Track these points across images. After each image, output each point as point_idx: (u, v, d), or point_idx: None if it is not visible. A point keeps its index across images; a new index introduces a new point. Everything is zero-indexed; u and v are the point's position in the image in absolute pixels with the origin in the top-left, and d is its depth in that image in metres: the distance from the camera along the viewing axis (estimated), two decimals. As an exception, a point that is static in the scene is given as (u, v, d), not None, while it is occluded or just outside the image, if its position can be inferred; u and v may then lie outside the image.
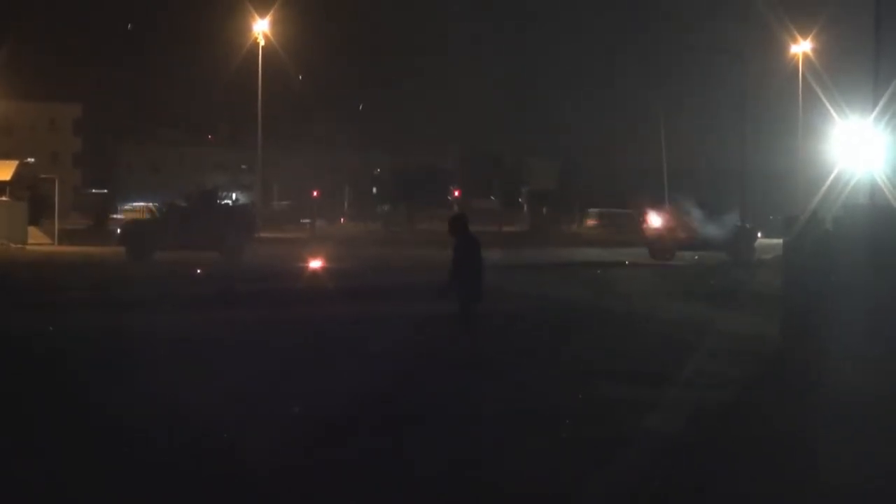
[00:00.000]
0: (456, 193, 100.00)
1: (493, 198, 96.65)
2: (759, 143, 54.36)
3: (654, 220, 39.64)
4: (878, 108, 23.39)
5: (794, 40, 53.95)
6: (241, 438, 9.32)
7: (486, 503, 7.92)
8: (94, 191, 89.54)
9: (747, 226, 39.22)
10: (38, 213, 46.11)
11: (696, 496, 8.09)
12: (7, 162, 47.86)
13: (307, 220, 68.82)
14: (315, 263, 29.78)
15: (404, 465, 8.67)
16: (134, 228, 38.01)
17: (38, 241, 43.52)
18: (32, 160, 56.37)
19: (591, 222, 78.44)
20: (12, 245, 39.76)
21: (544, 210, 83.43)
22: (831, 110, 40.36)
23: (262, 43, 53.33)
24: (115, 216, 62.38)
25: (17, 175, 45.83)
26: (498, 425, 10.14)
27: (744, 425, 10.37)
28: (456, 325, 13.37)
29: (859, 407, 11.16)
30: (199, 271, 28.40)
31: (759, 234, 40.95)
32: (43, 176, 50.80)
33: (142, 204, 69.13)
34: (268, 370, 13.05)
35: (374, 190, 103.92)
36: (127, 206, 73.14)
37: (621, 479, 8.34)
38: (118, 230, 38.62)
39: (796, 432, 10.05)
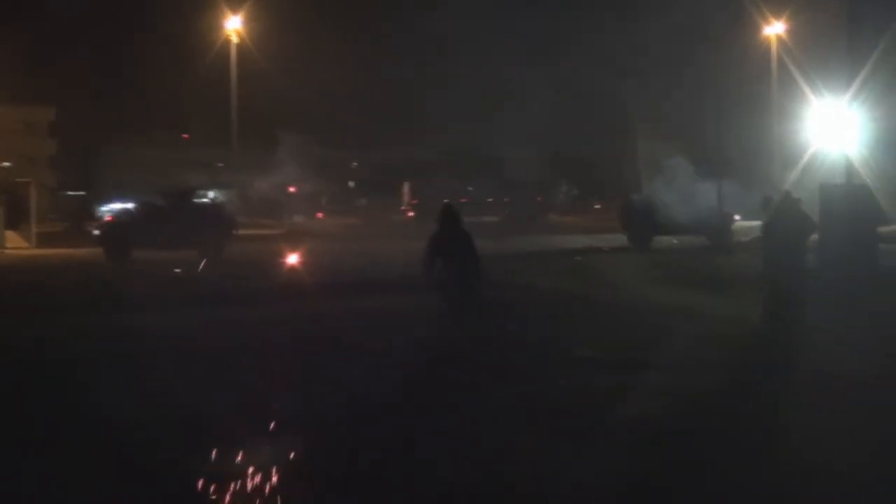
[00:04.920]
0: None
1: (469, 188, 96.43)
2: (733, 124, 54.35)
3: (631, 207, 39.61)
4: (852, 88, 23.44)
5: (768, 21, 54.10)
6: (232, 433, 9.30)
7: (474, 492, 7.91)
8: (70, 193, 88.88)
9: (723, 209, 39.28)
10: (16, 216, 45.93)
11: (682, 478, 8.10)
12: (-18, 168, 47.64)
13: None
14: (293, 259, 29.60)
15: (389, 459, 8.63)
16: (111, 229, 37.77)
17: (16, 244, 43.38)
18: (8, 164, 55.98)
19: (570, 211, 78.68)
20: (-10, 249, 39.54)
21: (526, 199, 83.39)
22: (806, 90, 40.50)
23: (235, 40, 52.91)
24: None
25: (-8, 180, 45.59)
26: (480, 416, 10.10)
27: (727, 408, 10.36)
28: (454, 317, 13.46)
29: (842, 386, 11.19)
30: (177, 271, 28.27)
31: (736, 217, 41.05)
32: (19, 179, 50.59)
33: (119, 205, 68.56)
34: (247, 363, 13.15)
35: (351, 184, 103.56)
36: (104, 209, 72.33)
37: (602, 466, 8.33)
38: (96, 231, 38.41)
39: (779, 414, 10.07)
